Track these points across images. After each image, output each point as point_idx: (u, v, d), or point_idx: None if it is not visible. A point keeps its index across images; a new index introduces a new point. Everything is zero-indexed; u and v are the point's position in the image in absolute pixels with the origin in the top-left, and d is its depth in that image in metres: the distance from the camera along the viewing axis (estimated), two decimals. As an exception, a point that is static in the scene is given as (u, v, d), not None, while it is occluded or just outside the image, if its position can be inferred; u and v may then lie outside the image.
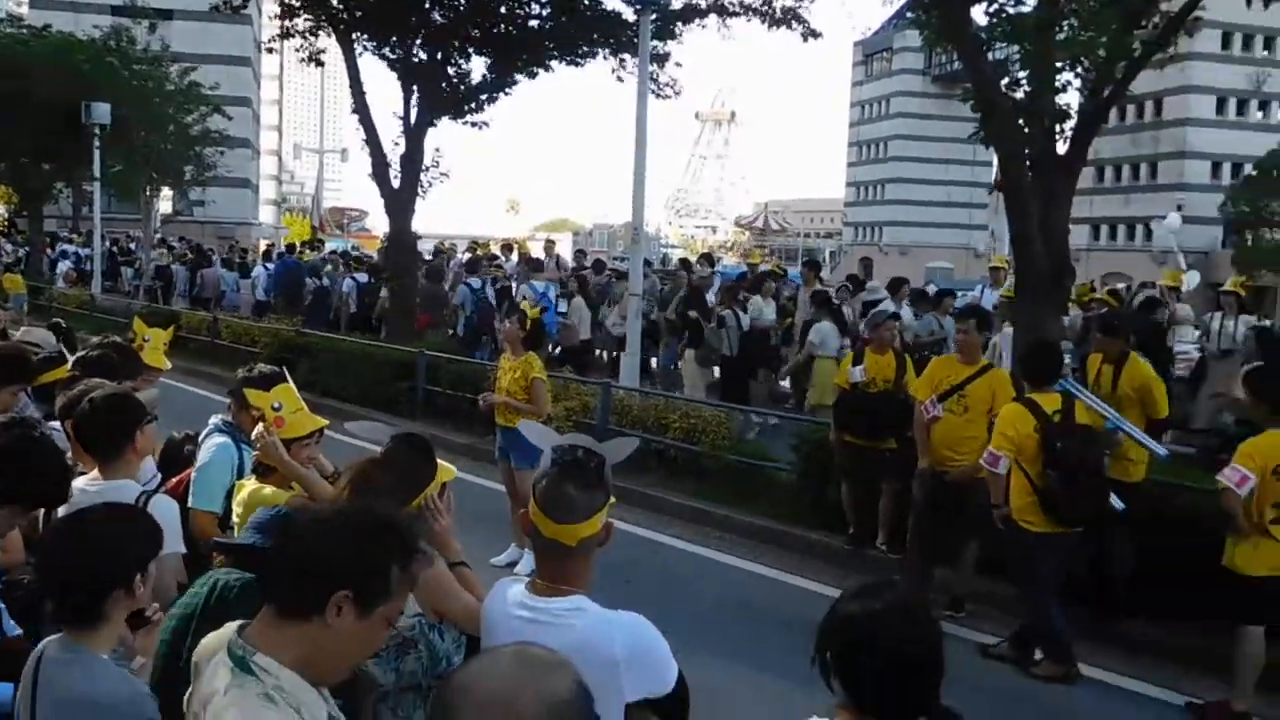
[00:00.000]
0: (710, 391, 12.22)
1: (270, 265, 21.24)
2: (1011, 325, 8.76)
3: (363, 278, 18.88)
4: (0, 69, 26.30)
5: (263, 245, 33.84)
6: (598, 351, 15.75)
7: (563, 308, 15.17)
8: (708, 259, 19.57)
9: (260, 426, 3.36)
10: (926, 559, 7.08)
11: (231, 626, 1.89)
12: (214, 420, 4.25)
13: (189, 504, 3.88)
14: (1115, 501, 5.98)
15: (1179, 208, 36.17)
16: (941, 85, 75.08)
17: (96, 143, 23.14)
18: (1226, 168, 60.33)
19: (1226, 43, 59.46)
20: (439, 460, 2.96)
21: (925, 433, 6.87)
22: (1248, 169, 53.55)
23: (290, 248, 22.72)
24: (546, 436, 2.61)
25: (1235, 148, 59.34)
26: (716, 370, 12.75)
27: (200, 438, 4.19)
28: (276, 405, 3.43)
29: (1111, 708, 5.85)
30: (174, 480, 4.06)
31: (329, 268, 20.41)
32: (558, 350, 14.71)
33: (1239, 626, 5.54)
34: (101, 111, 22.63)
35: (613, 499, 2.49)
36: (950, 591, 6.98)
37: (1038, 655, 6.18)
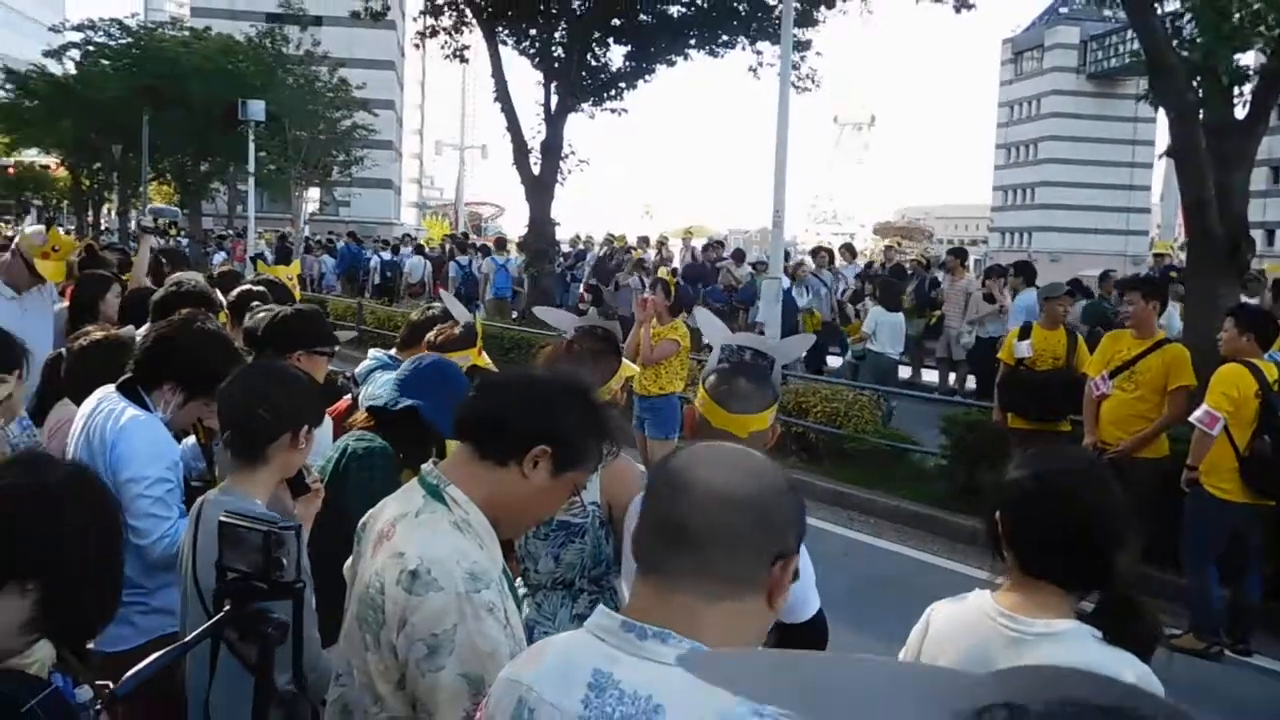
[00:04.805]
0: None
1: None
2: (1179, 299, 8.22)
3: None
4: (164, 70, 27.82)
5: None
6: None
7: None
8: (849, 250, 19.27)
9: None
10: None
11: (415, 484, 1.93)
12: (376, 354, 4.25)
13: None
14: None
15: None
16: (1096, 84, 72.33)
17: (251, 137, 24.23)
18: None
19: None
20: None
21: (1094, 409, 6.56)
22: None
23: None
24: (718, 330, 2.57)
25: None
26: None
27: (363, 372, 4.18)
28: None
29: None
30: (331, 408, 4.08)
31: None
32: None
33: None
34: (257, 108, 23.61)
35: (780, 399, 2.54)
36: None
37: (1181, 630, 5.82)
